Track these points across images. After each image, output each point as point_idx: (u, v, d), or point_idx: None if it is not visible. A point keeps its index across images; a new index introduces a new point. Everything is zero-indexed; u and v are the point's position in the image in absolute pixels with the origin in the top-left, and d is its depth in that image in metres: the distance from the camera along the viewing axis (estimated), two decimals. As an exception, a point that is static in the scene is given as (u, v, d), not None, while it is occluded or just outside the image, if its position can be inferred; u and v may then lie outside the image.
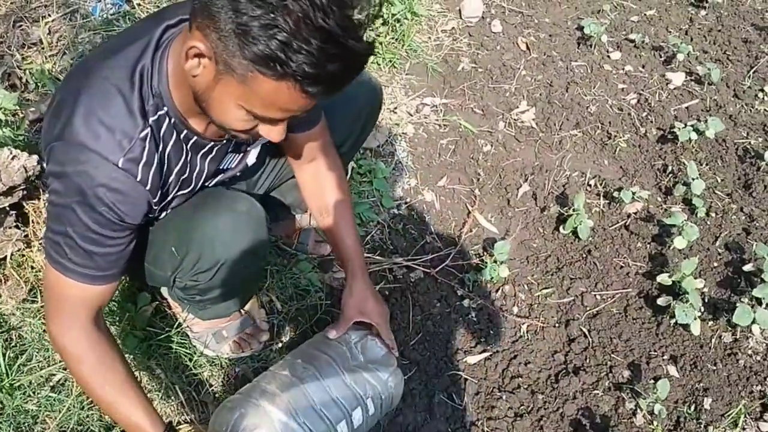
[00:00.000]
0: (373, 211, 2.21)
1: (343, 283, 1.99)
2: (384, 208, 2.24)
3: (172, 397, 1.71)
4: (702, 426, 1.73)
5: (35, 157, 1.86)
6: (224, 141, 1.30)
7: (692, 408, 1.78)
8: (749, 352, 1.87)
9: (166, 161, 1.21)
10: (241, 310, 1.81)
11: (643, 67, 3.00)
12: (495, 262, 2.04)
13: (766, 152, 2.41)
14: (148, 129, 1.13)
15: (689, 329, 1.89)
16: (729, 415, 1.74)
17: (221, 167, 1.43)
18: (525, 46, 3.08)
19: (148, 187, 1.16)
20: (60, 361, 1.67)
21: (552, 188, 2.41)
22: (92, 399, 1.32)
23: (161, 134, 1.17)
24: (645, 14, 3.34)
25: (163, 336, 1.77)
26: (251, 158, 1.47)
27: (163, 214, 1.37)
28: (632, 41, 3.10)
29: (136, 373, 1.70)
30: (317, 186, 1.59)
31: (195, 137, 1.23)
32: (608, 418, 1.76)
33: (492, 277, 2.03)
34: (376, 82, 1.76)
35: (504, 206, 2.35)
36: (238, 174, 1.50)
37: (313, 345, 1.58)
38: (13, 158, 1.71)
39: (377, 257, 2.10)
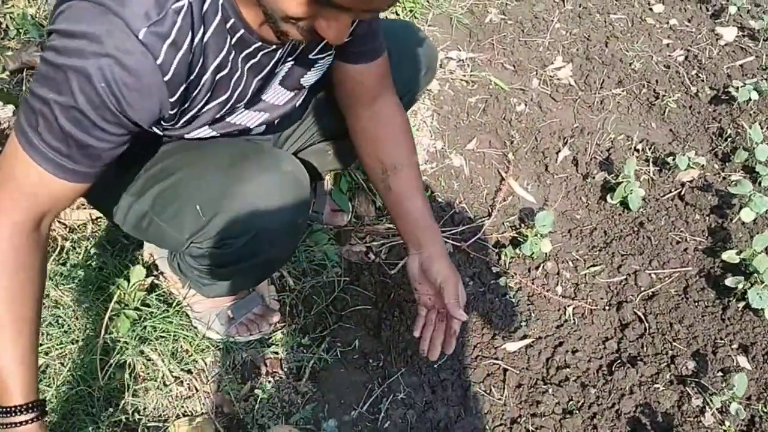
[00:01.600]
0: (395, 177, 1.95)
1: (363, 259, 1.76)
2: (408, 173, 1.98)
3: (171, 387, 1.48)
4: (782, 427, 1.49)
5: (10, 107, 1.63)
6: (272, 47, 1.03)
7: (769, 406, 1.54)
8: (831, 340, 1.63)
9: (201, 52, 0.94)
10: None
11: (690, 20, 2.71)
12: (536, 235, 1.78)
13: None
14: (186, 2, 0.87)
15: (761, 314, 1.65)
16: (813, 415, 1.51)
17: (267, 100, 1.16)
18: (559, -3, 2.79)
19: (167, 78, 0.89)
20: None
21: (595, 153, 2.15)
22: None
23: (203, 14, 0.90)
24: (689, -36, 3.04)
25: (159, 316, 1.54)
26: (300, 97, 1.23)
27: (187, 130, 1.09)
28: (677, -8, 2.80)
29: (129, 360, 1.47)
30: (378, 135, 1.30)
31: (242, 30, 0.96)
32: (671, 416, 1.52)
33: (533, 253, 1.78)
34: (434, 45, 1.52)
35: (541, 172, 2.09)
36: (282, 115, 1.22)
37: None
38: (-12, 106, 1.47)
39: (401, 228, 1.84)
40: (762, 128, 2.20)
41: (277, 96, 1.18)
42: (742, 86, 2.24)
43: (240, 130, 1.17)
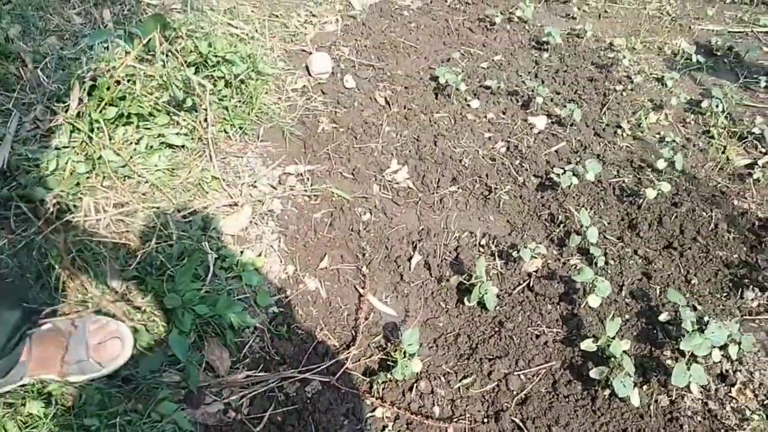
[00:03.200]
0: (247, 314, 1.79)
1: (222, 419, 1.56)
2: (260, 307, 1.84)
3: None
4: None
5: None
6: None
7: (653, 495, 1.56)
8: (689, 413, 1.71)
9: None
10: None
11: (504, 113, 2.91)
12: (404, 356, 1.71)
13: (647, 189, 2.35)
14: None
15: (628, 400, 1.70)
16: (692, 496, 1.55)
17: None
18: (384, 101, 2.87)
19: None
20: None
21: (444, 254, 2.16)
22: None
23: None
24: (493, 59, 3.30)
25: None
26: None
27: None
28: (488, 88, 3.01)
29: None
30: None
31: None
32: None
33: (404, 376, 1.70)
34: None
35: (397, 282, 2.05)
36: None
37: None
38: None
39: (261, 374, 1.68)
40: (585, 209, 2.37)
41: None
42: (563, 173, 2.40)
43: None
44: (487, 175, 2.51)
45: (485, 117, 2.86)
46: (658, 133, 2.83)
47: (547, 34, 3.36)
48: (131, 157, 2.08)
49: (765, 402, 1.70)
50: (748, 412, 1.67)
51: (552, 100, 3.00)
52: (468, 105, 2.92)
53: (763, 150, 2.72)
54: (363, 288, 1.99)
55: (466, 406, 1.71)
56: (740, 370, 1.78)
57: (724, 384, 1.76)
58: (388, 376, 1.71)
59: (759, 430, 1.62)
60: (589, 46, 3.51)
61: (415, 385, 1.74)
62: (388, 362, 1.75)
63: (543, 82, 3.13)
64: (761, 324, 1.93)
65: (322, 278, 2.00)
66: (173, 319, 1.67)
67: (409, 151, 2.58)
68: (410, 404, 1.69)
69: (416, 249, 2.16)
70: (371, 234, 2.18)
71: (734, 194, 2.45)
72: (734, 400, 1.71)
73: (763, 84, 3.16)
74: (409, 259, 2.12)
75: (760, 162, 2.59)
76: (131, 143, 2.11)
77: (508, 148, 2.69)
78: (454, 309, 1.99)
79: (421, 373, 1.76)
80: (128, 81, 2.13)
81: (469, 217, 2.35)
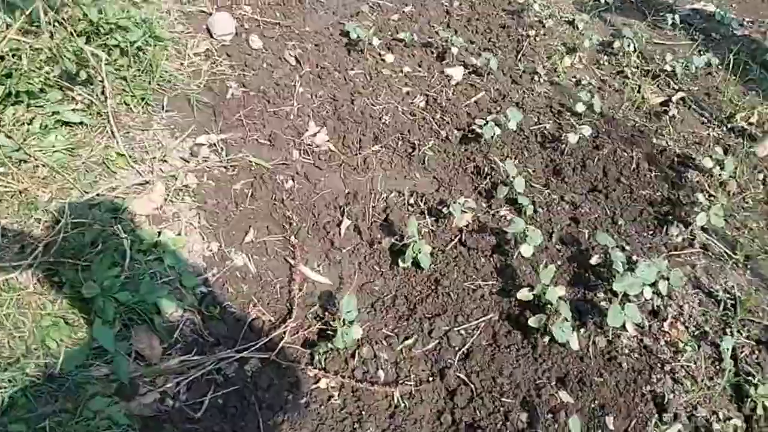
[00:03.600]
0: (174, 297, 1.67)
1: (159, 408, 1.46)
2: (187, 289, 1.72)
3: None
4: (616, 451, 1.55)
5: None
6: None
7: (598, 432, 1.60)
8: (626, 351, 1.76)
9: None
10: None
11: (420, 65, 2.85)
12: (344, 324, 1.66)
13: (568, 134, 2.37)
14: None
15: (567, 345, 1.72)
16: (634, 429, 1.60)
17: None
18: (294, 60, 2.73)
19: None
20: None
21: (373, 216, 2.10)
22: None
23: None
24: (403, 11, 3.22)
25: None
26: None
27: None
28: (401, 41, 2.94)
29: None
30: None
31: None
32: (522, 477, 1.50)
33: (345, 344, 1.65)
34: None
35: (328, 249, 1.98)
36: None
37: None
38: None
39: (195, 357, 1.58)
40: (510, 158, 2.37)
41: None
42: (485, 124, 2.38)
43: None
44: (409, 132, 2.46)
45: (401, 71, 2.79)
46: (574, 77, 2.87)
47: (456, -18, 3.31)
48: (25, 140, 1.88)
49: (695, 333, 1.77)
50: (680, 345, 1.74)
51: (467, 49, 2.96)
52: (383, 60, 2.83)
53: (676, 87, 2.80)
54: (293, 259, 1.91)
55: (410, 367, 1.69)
56: (671, 305, 1.85)
57: (656, 320, 1.82)
58: (329, 345, 1.66)
59: (692, 360, 1.69)
60: (497, -7, 3.48)
61: (357, 351, 1.69)
62: (328, 332, 1.69)
63: (456, 32, 3.08)
64: (686, 258, 2.01)
65: (249, 252, 1.90)
66: (94, 309, 1.54)
67: (327, 112, 2.48)
68: (354, 371, 1.65)
69: (344, 213, 2.09)
70: (296, 202, 2.09)
71: (652, 132, 2.52)
72: (667, 335, 1.77)
73: (669, 21, 3.24)
74: (338, 225, 2.05)
75: (674, 99, 2.67)
76: (23, 124, 1.91)
77: (427, 102, 2.64)
78: (388, 271, 1.95)
79: (362, 339, 1.71)
80: (13, 56, 1.91)
81: (395, 176, 2.29)
